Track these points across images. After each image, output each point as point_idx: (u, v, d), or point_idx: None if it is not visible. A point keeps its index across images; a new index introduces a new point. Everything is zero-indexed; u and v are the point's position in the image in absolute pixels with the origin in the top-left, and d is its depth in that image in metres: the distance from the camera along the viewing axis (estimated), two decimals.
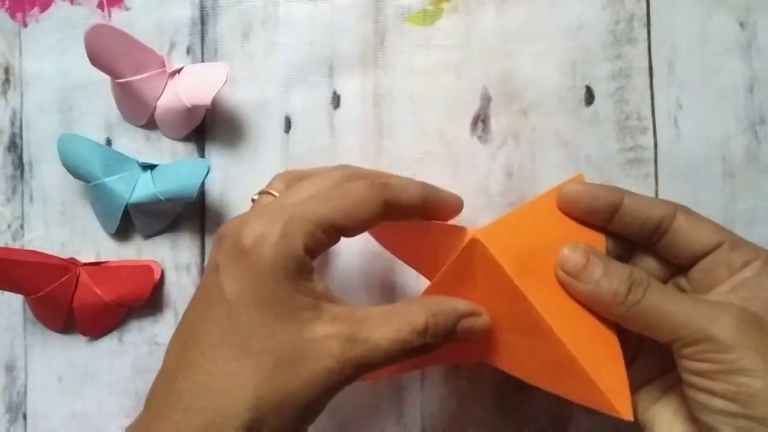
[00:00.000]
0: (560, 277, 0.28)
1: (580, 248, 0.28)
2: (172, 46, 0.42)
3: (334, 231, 0.27)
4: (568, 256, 0.28)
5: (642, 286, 0.27)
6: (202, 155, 0.42)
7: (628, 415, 0.26)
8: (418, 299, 0.30)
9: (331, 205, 0.27)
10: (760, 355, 0.24)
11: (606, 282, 0.27)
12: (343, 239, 0.28)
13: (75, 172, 0.40)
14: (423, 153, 0.41)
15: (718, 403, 0.25)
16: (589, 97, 0.41)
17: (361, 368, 0.25)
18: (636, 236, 0.30)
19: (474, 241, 0.28)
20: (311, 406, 0.25)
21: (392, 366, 0.27)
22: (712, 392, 0.25)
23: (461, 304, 0.28)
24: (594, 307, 0.28)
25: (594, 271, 0.27)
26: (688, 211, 0.30)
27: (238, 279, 0.25)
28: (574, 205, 0.30)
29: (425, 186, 0.30)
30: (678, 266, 0.30)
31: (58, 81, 0.43)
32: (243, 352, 0.25)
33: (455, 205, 0.31)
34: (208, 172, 0.38)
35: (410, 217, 0.30)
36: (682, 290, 0.30)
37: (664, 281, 0.30)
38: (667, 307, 0.26)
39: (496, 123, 0.41)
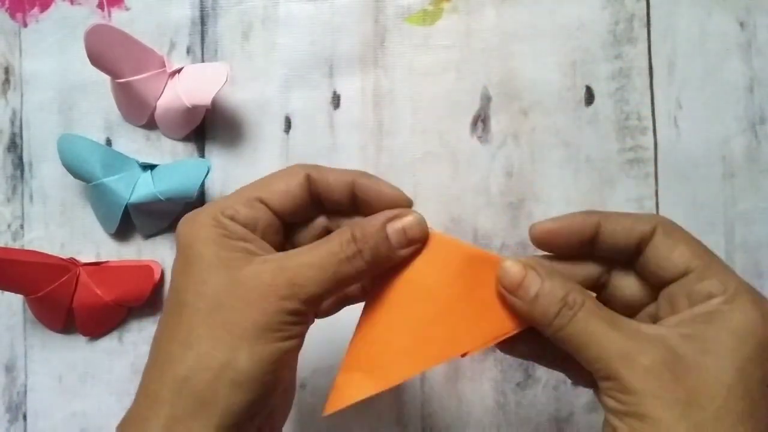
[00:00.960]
0: (499, 292, 0.28)
1: (520, 262, 0.27)
2: (172, 46, 0.42)
3: (259, 201, 0.28)
4: (508, 270, 0.27)
5: (572, 310, 0.26)
6: (202, 155, 0.42)
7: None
8: None
9: (254, 184, 0.29)
10: (663, 404, 0.24)
11: (537, 301, 0.27)
12: None
13: (75, 172, 0.40)
14: (423, 153, 0.41)
15: None
16: (589, 97, 0.41)
17: (296, 289, 0.26)
18: (617, 256, 0.29)
19: (432, 235, 0.28)
20: (265, 337, 0.26)
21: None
22: (614, 429, 0.25)
23: (385, 213, 0.28)
24: (531, 324, 0.28)
25: (530, 289, 0.27)
26: (667, 229, 0.27)
27: (182, 270, 0.27)
28: (549, 246, 0.29)
29: (361, 173, 0.30)
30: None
31: (58, 81, 0.43)
32: (201, 326, 0.26)
33: (394, 198, 0.30)
34: (208, 172, 0.38)
35: (341, 201, 0.30)
36: (656, 315, 0.29)
37: (645, 303, 0.29)
38: (588, 337, 0.25)
39: (496, 123, 0.41)
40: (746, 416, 0.24)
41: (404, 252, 0.28)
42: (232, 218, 0.27)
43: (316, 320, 0.30)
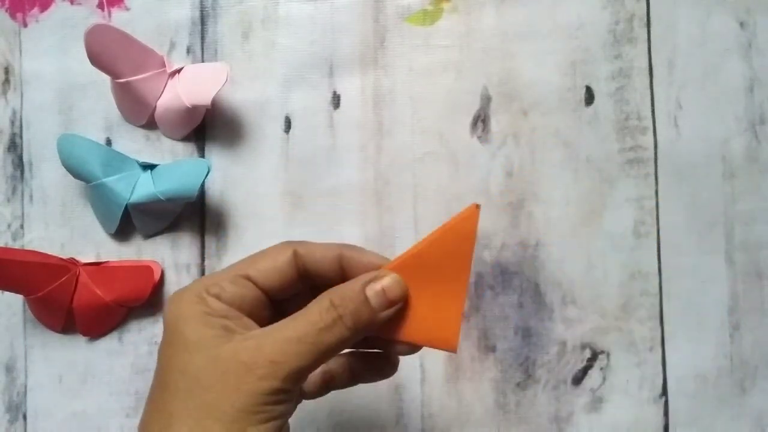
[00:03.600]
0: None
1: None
2: (172, 46, 0.42)
3: (246, 279, 0.28)
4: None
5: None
6: (202, 155, 0.42)
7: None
8: None
9: (242, 261, 0.29)
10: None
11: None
12: None
13: (75, 172, 0.40)
14: (423, 153, 0.41)
15: None
16: (589, 97, 0.41)
17: (275, 367, 0.25)
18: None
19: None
20: (244, 419, 0.25)
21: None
22: None
23: (362, 277, 0.28)
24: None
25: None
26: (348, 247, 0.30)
27: (166, 349, 0.27)
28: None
29: (347, 246, 0.30)
30: None
31: (58, 81, 0.43)
32: (180, 409, 0.25)
33: (377, 266, 0.30)
34: (208, 172, 0.38)
35: (329, 275, 0.30)
36: None
37: None
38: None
39: (496, 123, 0.41)
40: None
41: (385, 314, 0.28)
42: (216, 296, 0.27)
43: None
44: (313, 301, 0.27)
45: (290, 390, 0.26)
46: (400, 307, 0.28)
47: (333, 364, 0.31)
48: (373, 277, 0.28)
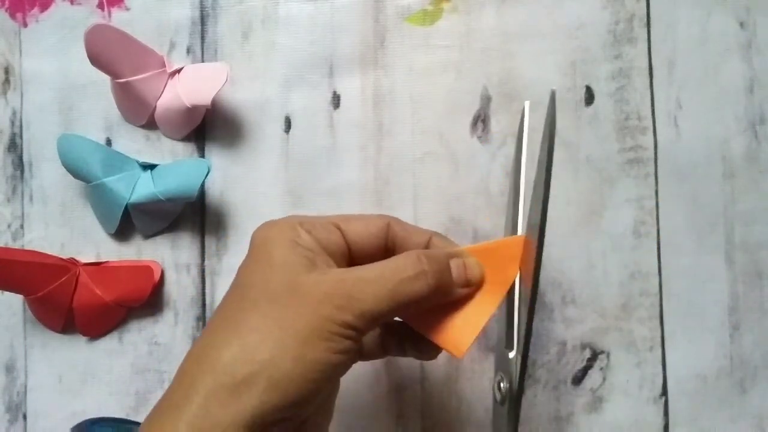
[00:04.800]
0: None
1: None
2: (172, 46, 0.42)
3: (337, 228, 0.30)
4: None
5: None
6: (202, 155, 0.42)
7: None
8: None
9: (338, 215, 0.31)
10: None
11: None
12: None
13: (75, 172, 0.40)
14: (423, 153, 0.41)
15: None
16: (589, 97, 0.41)
17: (352, 302, 0.26)
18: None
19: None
20: (313, 343, 0.26)
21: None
22: None
23: (446, 250, 0.30)
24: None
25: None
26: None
27: (249, 266, 0.29)
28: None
29: (437, 234, 0.32)
30: None
31: (58, 81, 0.43)
32: (255, 318, 0.27)
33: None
34: (208, 172, 0.38)
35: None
36: None
37: None
38: None
39: (496, 123, 0.41)
40: None
41: (461, 291, 0.29)
42: (308, 231, 0.29)
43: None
44: (400, 254, 0.29)
45: (360, 329, 0.27)
46: (471, 290, 0.30)
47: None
48: (457, 252, 0.30)
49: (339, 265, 0.29)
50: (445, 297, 0.29)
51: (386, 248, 0.31)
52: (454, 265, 0.29)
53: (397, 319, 0.31)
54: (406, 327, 0.31)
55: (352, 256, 0.30)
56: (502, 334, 0.33)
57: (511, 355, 0.31)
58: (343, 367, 0.27)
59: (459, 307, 0.30)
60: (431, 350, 0.31)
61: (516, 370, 0.30)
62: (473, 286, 0.30)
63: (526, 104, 0.34)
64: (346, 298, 0.26)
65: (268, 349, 0.25)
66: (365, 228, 0.30)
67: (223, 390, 0.25)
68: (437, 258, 0.29)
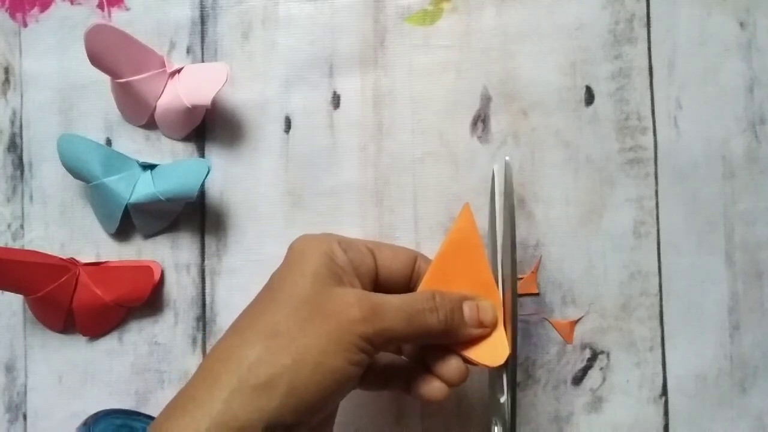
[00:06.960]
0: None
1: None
2: (172, 46, 0.42)
3: (370, 252, 0.33)
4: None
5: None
6: (202, 155, 0.42)
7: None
8: None
9: (373, 241, 0.34)
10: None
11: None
12: None
13: (75, 172, 0.40)
14: (423, 153, 0.41)
15: None
16: (589, 97, 0.41)
17: (375, 318, 0.28)
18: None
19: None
20: (333, 352, 0.27)
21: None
22: None
23: (463, 292, 0.32)
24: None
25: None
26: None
27: (283, 273, 0.31)
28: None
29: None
30: None
31: (58, 81, 0.43)
32: (283, 320, 0.28)
33: None
34: (208, 172, 0.38)
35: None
36: None
37: None
38: None
39: (496, 123, 0.41)
40: None
41: (473, 331, 0.32)
42: (344, 250, 0.31)
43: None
44: (418, 290, 0.32)
45: (376, 344, 0.29)
46: (484, 332, 0.32)
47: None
48: (473, 296, 0.32)
49: (365, 289, 0.31)
50: (459, 335, 0.31)
51: (410, 281, 0.34)
52: (467, 307, 0.32)
53: (403, 357, 0.34)
54: (416, 367, 0.33)
55: (378, 282, 0.32)
56: (492, 381, 0.35)
57: (502, 399, 0.33)
58: (353, 382, 0.29)
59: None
60: (439, 390, 0.32)
61: (507, 413, 0.32)
62: (486, 328, 0.32)
63: (495, 167, 0.37)
64: (368, 312, 0.28)
65: (290, 354, 0.27)
66: (395, 257, 0.33)
67: (247, 389, 0.26)
68: (450, 298, 0.31)
